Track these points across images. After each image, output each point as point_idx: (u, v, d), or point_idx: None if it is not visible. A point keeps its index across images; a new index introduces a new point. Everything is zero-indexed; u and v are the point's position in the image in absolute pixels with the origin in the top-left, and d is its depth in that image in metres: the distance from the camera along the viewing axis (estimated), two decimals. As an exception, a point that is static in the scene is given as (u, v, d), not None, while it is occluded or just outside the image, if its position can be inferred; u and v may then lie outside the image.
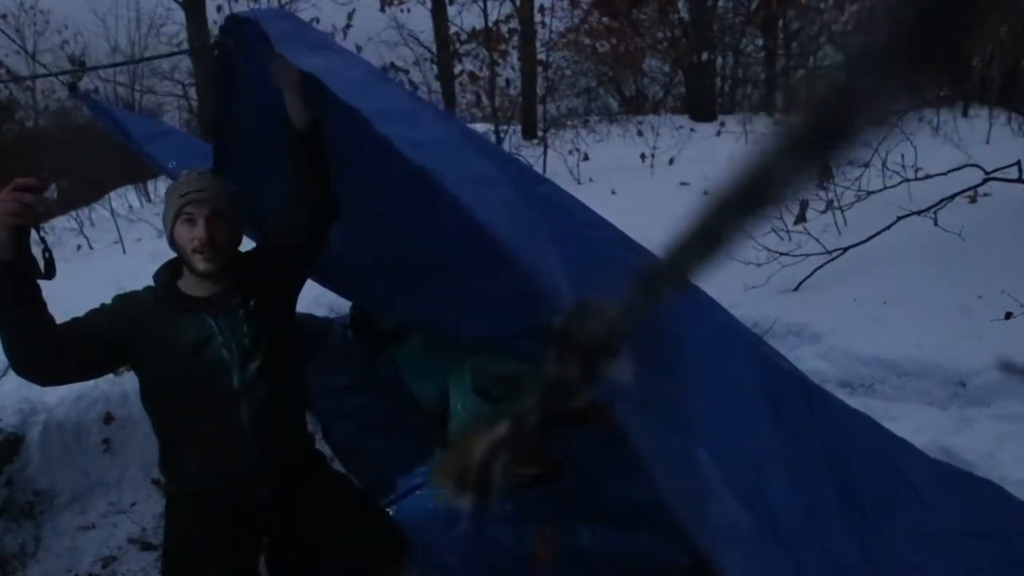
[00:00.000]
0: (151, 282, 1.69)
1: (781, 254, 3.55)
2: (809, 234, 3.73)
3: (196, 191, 1.60)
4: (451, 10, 9.14)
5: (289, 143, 1.66)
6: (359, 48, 9.20)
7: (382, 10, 9.27)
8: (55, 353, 1.51)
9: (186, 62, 10.79)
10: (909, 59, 0.22)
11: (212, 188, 1.63)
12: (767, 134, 0.27)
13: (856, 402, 2.22)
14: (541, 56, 9.26)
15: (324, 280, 2.39)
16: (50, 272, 1.47)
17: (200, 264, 1.60)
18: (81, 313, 1.60)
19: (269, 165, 1.85)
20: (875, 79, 0.22)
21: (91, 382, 2.54)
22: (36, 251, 1.45)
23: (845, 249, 3.51)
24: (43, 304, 1.48)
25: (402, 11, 9.55)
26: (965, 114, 6.99)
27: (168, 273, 1.69)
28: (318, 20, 8.82)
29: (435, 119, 1.18)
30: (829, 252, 3.54)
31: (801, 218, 4.09)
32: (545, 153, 7.09)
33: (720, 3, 12.10)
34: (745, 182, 0.27)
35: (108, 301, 1.66)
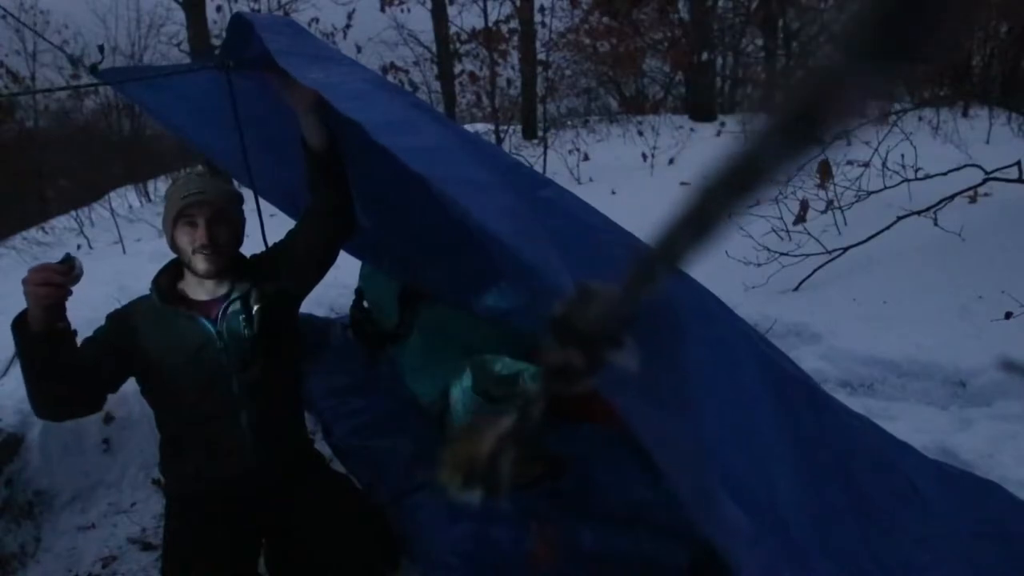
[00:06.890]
0: (150, 286, 1.68)
1: (781, 254, 3.55)
2: (809, 234, 3.73)
3: (196, 193, 1.59)
4: (451, 10, 9.15)
5: (306, 162, 1.67)
6: (359, 48, 9.21)
7: (382, 10, 9.28)
8: (78, 401, 1.57)
9: (187, 62, 10.77)
10: (883, 51, 0.23)
11: (212, 190, 1.62)
12: (754, 120, 0.28)
13: (856, 402, 2.22)
14: (541, 56, 9.27)
15: (354, 252, 2.42)
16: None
17: (201, 265, 1.60)
18: (79, 313, 1.60)
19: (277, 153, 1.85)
20: (852, 68, 0.23)
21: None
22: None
23: (845, 249, 3.51)
24: (75, 360, 1.51)
25: (402, 11, 9.56)
26: (965, 114, 6.99)
27: (167, 278, 1.69)
28: (318, 20, 8.83)
29: (435, 126, 1.18)
30: (829, 252, 3.54)
31: (801, 218, 4.09)
32: (545, 153, 7.08)
33: (720, 3, 12.09)
34: (733, 167, 0.28)
35: (103, 323, 1.66)
